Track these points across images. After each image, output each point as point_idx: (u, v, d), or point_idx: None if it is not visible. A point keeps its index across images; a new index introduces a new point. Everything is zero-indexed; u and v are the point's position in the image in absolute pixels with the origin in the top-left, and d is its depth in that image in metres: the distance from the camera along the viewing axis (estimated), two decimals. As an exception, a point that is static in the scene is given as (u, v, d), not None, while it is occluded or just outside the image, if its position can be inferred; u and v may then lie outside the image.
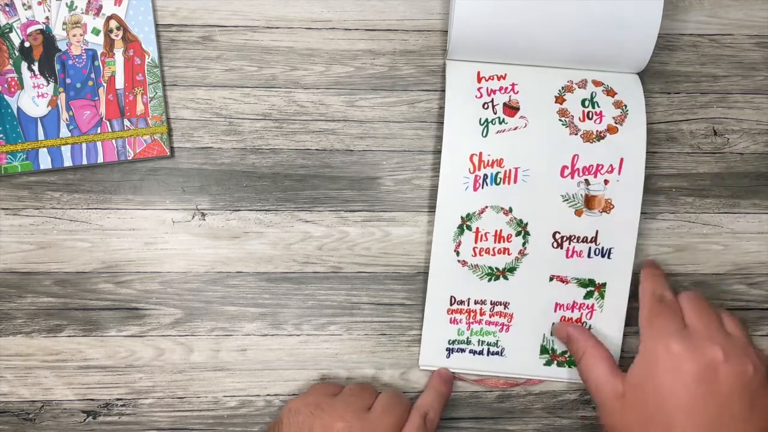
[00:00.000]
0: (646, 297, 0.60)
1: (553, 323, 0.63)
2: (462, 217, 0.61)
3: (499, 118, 0.61)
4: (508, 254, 0.62)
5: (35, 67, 0.61)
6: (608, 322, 0.63)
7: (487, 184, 0.61)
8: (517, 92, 0.62)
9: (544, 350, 0.63)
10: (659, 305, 0.58)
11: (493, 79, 0.62)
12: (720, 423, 0.53)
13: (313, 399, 0.57)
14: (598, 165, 0.61)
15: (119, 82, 0.61)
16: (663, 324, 0.57)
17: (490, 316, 0.63)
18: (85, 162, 0.61)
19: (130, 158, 0.61)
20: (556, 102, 0.62)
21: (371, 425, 0.55)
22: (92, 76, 0.61)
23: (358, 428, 0.55)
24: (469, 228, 0.62)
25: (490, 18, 0.59)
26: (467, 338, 0.63)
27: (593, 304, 0.63)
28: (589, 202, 0.61)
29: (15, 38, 0.60)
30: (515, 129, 0.61)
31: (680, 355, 0.54)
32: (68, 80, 0.61)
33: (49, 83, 0.61)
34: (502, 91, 0.62)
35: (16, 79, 0.60)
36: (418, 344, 0.64)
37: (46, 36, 0.61)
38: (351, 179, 0.63)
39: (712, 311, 0.58)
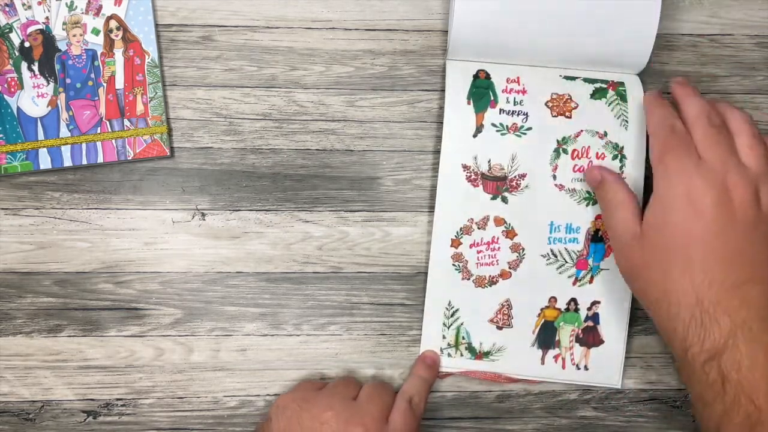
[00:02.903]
0: (656, 128, 0.57)
1: (586, 166, 0.62)
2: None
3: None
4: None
5: (35, 67, 0.61)
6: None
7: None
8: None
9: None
10: (671, 137, 0.55)
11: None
12: (739, 252, 0.53)
13: (300, 394, 0.58)
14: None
15: (119, 82, 0.61)
16: (677, 160, 0.54)
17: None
18: (85, 162, 0.61)
19: (130, 158, 0.61)
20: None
21: (359, 412, 0.56)
22: (92, 76, 0.61)
23: (347, 416, 0.55)
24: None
25: (490, 18, 0.59)
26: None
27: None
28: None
29: (15, 38, 0.61)
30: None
31: (696, 191, 0.53)
32: (68, 80, 0.61)
33: (49, 83, 0.61)
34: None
35: (16, 79, 0.60)
36: (418, 344, 0.64)
37: (46, 36, 0.61)
38: (351, 179, 0.63)
39: (725, 138, 0.55)
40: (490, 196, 0.61)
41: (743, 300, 0.51)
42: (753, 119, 0.57)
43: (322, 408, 0.56)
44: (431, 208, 0.63)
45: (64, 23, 0.61)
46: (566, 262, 0.62)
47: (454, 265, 0.62)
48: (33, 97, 0.61)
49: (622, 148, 0.61)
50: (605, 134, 0.62)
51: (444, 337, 0.63)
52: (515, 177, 0.61)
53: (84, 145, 0.61)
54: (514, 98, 0.62)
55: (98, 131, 0.61)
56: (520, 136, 0.61)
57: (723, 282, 0.52)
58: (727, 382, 0.50)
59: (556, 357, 0.63)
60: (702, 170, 0.53)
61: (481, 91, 0.62)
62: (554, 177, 0.61)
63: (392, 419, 0.57)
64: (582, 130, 0.62)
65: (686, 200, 0.53)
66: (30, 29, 0.61)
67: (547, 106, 0.62)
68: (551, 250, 0.62)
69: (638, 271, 0.56)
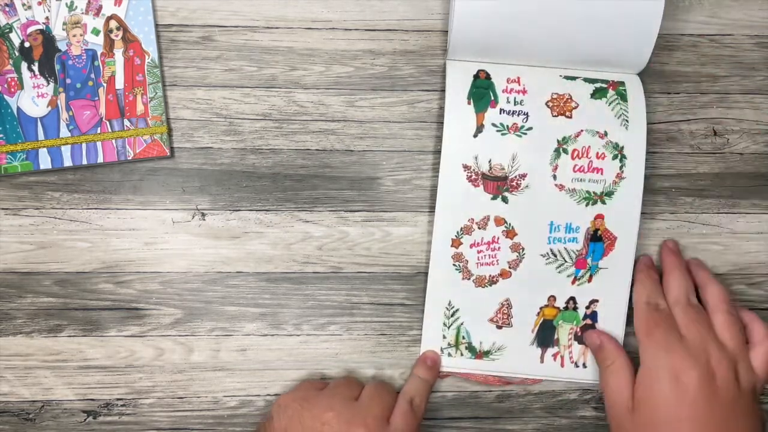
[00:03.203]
0: (641, 306, 0.61)
1: (584, 329, 0.64)
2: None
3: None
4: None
5: (35, 67, 0.61)
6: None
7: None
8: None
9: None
10: (656, 315, 0.60)
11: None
12: (725, 425, 0.56)
13: (301, 393, 0.59)
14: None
15: (119, 82, 0.61)
16: (662, 336, 0.58)
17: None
18: (85, 162, 0.61)
19: (130, 158, 0.61)
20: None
21: (360, 412, 0.56)
22: (92, 76, 0.61)
23: (348, 416, 0.56)
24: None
25: (490, 18, 0.59)
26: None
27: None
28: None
29: (15, 38, 0.60)
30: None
31: (680, 368, 0.56)
32: (68, 80, 0.61)
33: (49, 83, 0.61)
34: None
35: (16, 79, 0.60)
36: (418, 344, 0.64)
37: (46, 36, 0.61)
38: (351, 179, 0.63)
39: (703, 317, 0.60)
40: (491, 196, 0.61)
41: None
42: (729, 294, 0.61)
43: (324, 408, 0.56)
44: (431, 208, 0.63)
45: (64, 23, 0.61)
46: (565, 261, 0.62)
47: (454, 265, 0.62)
48: (33, 97, 0.61)
49: (623, 147, 0.61)
50: (605, 134, 0.62)
51: (444, 337, 0.63)
52: (516, 177, 0.61)
53: (84, 145, 0.61)
54: (515, 98, 0.62)
55: (98, 131, 0.61)
56: (520, 136, 0.61)
57: None
58: None
59: (555, 355, 0.63)
60: (685, 349, 0.57)
61: (482, 91, 0.62)
62: (554, 177, 0.61)
63: (393, 420, 0.57)
64: (582, 130, 0.62)
65: (672, 376, 0.57)
66: (30, 29, 0.61)
67: (548, 106, 0.62)
68: (551, 250, 0.62)
69: None
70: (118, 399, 0.63)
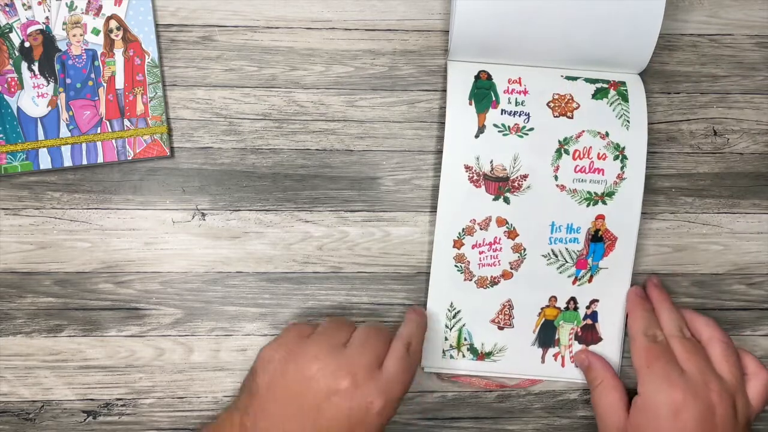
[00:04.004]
0: (639, 337, 0.60)
1: (584, 330, 0.64)
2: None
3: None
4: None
5: (35, 67, 0.61)
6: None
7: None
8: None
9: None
10: (655, 347, 0.59)
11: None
12: None
13: (284, 343, 0.55)
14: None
15: (119, 82, 0.61)
16: (662, 369, 0.58)
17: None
18: (85, 162, 0.61)
19: (130, 158, 0.61)
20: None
21: (348, 361, 0.53)
22: (92, 76, 0.61)
23: (334, 366, 0.53)
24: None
25: (491, 18, 0.59)
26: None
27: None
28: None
29: (15, 38, 0.60)
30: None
31: (681, 403, 0.56)
32: (68, 80, 0.61)
33: (49, 83, 0.61)
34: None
35: (16, 79, 0.60)
36: (418, 344, 0.64)
37: (46, 36, 0.61)
38: (351, 179, 0.63)
39: (700, 350, 0.59)
40: (492, 196, 0.61)
41: None
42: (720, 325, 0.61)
43: (308, 359, 0.53)
44: (431, 208, 0.63)
45: (64, 23, 0.61)
46: (566, 261, 0.62)
47: (456, 266, 0.62)
48: (33, 97, 0.60)
49: (624, 148, 0.61)
50: (607, 134, 0.62)
51: (446, 339, 0.63)
52: (517, 177, 0.61)
53: (84, 145, 0.61)
54: (516, 99, 0.62)
55: (98, 131, 0.61)
56: (521, 136, 0.61)
57: None
58: None
59: (555, 355, 0.64)
60: (686, 384, 0.56)
61: (483, 92, 0.62)
62: (556, 177, 0.61)
63: (387, 365, 0.54)
64: (583, 131, 0.62)
65: (673, 412, 0.56)
66: (30, 29, 0.60)
67: (549, 107, 0.62)
68: (552, 250, 0.62)
69: None
70: (118, 399, 0.63)
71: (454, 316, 0.62)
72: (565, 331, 0.63)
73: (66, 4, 0.60)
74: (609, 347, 0.64)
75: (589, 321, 0.64)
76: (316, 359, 0.53)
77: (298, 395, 0.53)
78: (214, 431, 0.56)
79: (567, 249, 0.62)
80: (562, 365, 0.64)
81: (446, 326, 0.63)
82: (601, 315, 0.64)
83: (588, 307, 0.63)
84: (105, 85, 0.61)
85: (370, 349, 0.54)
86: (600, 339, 0.64)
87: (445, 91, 0.62)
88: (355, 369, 0.53)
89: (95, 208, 0.62)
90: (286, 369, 0.53)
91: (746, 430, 0.58)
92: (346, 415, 0.52)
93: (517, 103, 0.62)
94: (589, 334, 0.64)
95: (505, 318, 0.63)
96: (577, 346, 0.64)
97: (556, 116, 0.62)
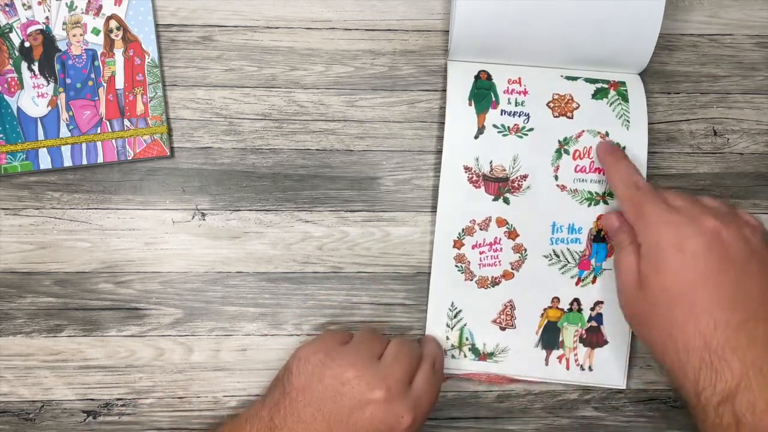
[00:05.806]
0: (621, 189, 0.58)
1: (589, 332, 0.63)
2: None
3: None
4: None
5: (35, 67, 0.60)
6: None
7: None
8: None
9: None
10: (639, 194, 0.57)
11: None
12: (740, 285, 0.53)
13: (322, 347, 0.56)
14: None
15: (119, 82, 0.61)
16: (653, 212, 0.56)
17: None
18: (85, 162, 0.61)
19: (130, 158, 0.61)
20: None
21: (384, 373, 0.54)
22: (92, 76, 0.61)
23: (370, 376, 0.54)
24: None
25: (491, 19, 0.59)
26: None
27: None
28: None
29: (15, 38, 0.60)
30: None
31: (682, 234, 0.54)
32: (68, 80, 0.61)
33: (49, 83, 0.61)
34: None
35: (16, 79, 0.60)
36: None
37: (46, 36, 0.61)
38: (351, 179, 0.63)
39: (686, 192, 0.58)
40: (492, 197, 0.61)
41: (750, 339, 0.51)
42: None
43: (345, 367, 0.54)
44: (431, 208, 0.63)
45: (64, 23, 0.61)
46: (569, 262, 0.62)
47: (456, 266, 0.62)
48: (33, 97, 0.60)
49: (624, 148, 0.61)
50: (607, 134, 0.62)
51: (447, 339, 0.63)
52: (517, 178, 0.61)
53: (84, 145, 0.61)
54: (516, 99, 0.62)
55: (98, 131, 0.61)
56: (521, 136, 0.61)
57: (728, 322, 0.51)
58: (741, 426, 0.49)
59: (560, 358, 0.63)
60: (680, 216, 0.54)
61: (483, 92, 0.62)
62: (556, 177, 0.62)
63: (417, 382, 0.56)
64: (583, 131, 0.62)
65: (675, 246, 0.54)
66: (30, 29, 0.60)
67: (549, 107, 0.62)
68: (553, 251, 0.62)
69: (643, 318, 0.56)
70: (118, 399, 0.63)
71: (455, 316, 0.62)
72: (569, 333, 0.63)
73: (66, 4, 0.60)
74: (615, 350, 0.63)
75: (594, 323, 0.63)
76: (353, 367, 0.54)
77: (331, 400, 0.54)
78: (244, 420, 0.56)
79: (569, 249, 0.62)
80: (567, 368, 0.63)
81: (447, 326, 0.63)
82: (606, 317, 0.63)
83: (593, 309, 0.63)
84: (105, 85, 0.61)
85: (404, 364, 0.56)
86: (606, 342, 0.63)
87: (445, 91, 0.62)
88: (390, 382, 0.54)
89: (95, 208, 0.62)
90: (323, 373, 0.54)
91: (766, 252, 0.55)
92: (376, 427, 0.53)
93: (516, 104, 0.62)
94: (594, 336, 0.63)
95: (506, 318, 0.63)
96: (582, 349, 0.63)
97: (556, 116, 0.62)
